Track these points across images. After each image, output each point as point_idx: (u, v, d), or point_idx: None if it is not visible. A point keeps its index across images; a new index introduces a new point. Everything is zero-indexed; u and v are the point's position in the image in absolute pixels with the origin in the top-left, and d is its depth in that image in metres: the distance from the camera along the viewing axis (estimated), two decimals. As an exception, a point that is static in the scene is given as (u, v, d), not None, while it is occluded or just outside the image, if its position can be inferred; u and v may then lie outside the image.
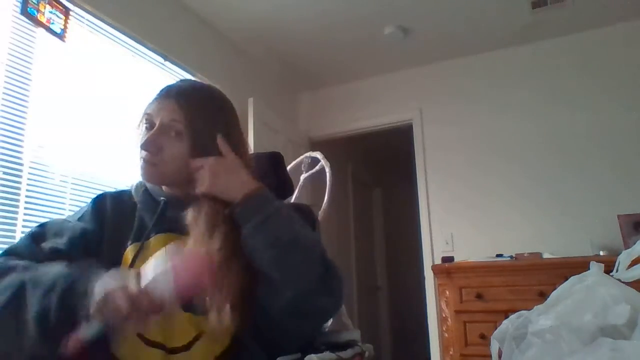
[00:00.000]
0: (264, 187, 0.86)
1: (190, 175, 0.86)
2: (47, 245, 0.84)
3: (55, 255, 0.82)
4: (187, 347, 0.77)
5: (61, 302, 0.70)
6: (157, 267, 0.69)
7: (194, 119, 0.86)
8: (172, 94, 0.89)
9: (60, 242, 0.85)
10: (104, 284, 0.68)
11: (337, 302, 0.86)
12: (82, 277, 0.72)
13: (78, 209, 0.99)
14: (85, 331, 0.66)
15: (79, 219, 0.92)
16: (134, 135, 0.93)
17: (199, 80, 1.01)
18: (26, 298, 0.72)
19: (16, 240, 0.93)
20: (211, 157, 0.85)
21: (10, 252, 0.84)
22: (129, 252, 0.85)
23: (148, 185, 0.95)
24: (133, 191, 0.95)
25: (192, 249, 0.78)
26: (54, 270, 0.75)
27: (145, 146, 0.86)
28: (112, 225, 0.90)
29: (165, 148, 0.86)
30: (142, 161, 0.87)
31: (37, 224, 0.92)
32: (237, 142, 0.91)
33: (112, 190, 1.02)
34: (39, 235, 0.87)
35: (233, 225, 0.82)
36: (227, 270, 0.78)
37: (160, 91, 0.92)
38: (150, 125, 0.88)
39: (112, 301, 0.65)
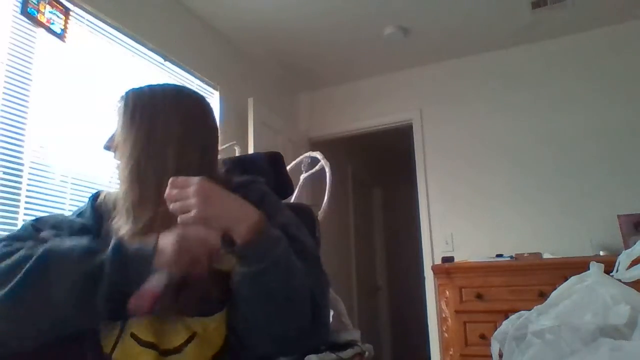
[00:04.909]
0: (267, 222, 0.75)
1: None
2: (46, 234, 0.82)
3: None
4: (179, 349, 0.76)
5: (118, 263, 0.71)
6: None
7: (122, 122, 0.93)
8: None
9: (59, 234, 0.84)
10: (170, 238, 0.72)
11: (325, 335, 0.83)
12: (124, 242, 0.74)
13: (77, 208, 0.99)
14: (158, 282, 0.69)
15: (78, 216, 0.93)
16: None
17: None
18: (52, 269, 0.71)
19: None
20: (196, 176, 0.73)
21: (11, 238, 0.81)
22: None
23: None
24: None
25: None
26: (78, 241, 0.75)
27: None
28: (110, 222, 0.88)
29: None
30: None
31: (34, 218, 0.91)
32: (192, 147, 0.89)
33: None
34: (38, 225, 0.86)
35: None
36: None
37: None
38: None
39: (186, 249, 0.70)
